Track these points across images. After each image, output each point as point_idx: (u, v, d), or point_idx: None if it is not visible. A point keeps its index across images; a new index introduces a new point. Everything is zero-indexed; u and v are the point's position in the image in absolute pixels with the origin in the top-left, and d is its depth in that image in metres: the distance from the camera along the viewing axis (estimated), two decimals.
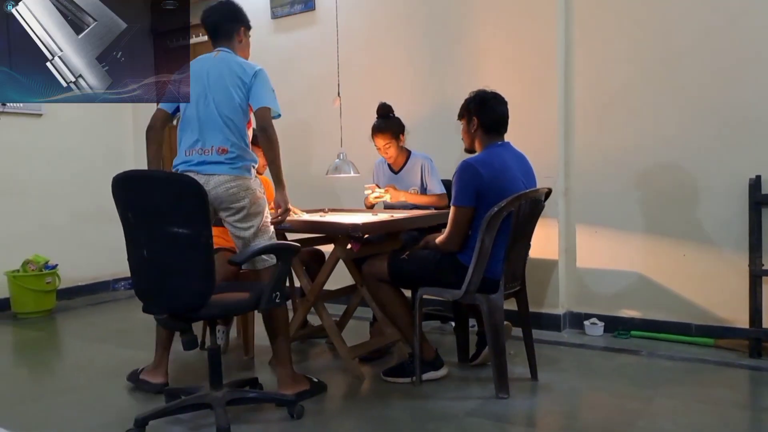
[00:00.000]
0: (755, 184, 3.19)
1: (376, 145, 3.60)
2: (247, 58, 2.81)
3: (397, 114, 3.62)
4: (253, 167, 2.73)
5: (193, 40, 5.07)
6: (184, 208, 2.24)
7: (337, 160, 3.50)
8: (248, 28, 2.86)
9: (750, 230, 3.20)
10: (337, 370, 3.21)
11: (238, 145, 2.64)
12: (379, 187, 3.62)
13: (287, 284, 2.96)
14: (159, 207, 2.27)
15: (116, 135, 5.59)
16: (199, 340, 3.22)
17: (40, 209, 5.00)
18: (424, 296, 2.83)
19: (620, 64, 3.61)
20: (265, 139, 2.60)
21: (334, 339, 3.11)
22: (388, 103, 3.62)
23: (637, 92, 3.57)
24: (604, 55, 3.66)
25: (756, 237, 3.18)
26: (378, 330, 3.42)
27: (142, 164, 2.87)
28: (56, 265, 4.71)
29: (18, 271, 4.61)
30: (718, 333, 3.38)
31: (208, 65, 2.67)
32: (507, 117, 2.82)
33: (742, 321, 3.25)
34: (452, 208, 2.73)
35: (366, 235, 2.95)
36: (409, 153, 3.66)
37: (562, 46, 3.72)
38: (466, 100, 2.84)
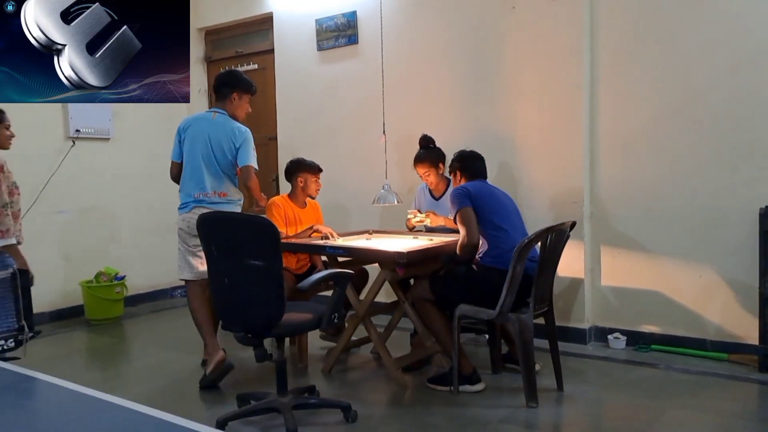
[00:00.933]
0: (765, 213, 3.46)
1: (417, 172, 3.98)
2: (242, 115, 3.61)
3: (437, 144, 3.98)
4: (241, 204, 3.68)
5: (244, 68, 5.53)
6: (259, 244, 2.66)
7: (383, 190, 3.88)
8: (244, 92, 3.60)
9: (760, 255, 3.46)
10: (382, 378, 3.61)
11: (233, 190, 3.62)
12: (421, 212, 3.93)
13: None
14: (238, 243, 2.70)
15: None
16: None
17: (108, 224, 5.49)
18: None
19: (641, 101, 3.91)
20: (246, 191, 3.61)
21: (381, 351, 3.49)
22: (428, 133, 4.00)
23: (658, 126, 3.87)
24: (626, 92, 3.96)
25: (765, 262, 3.43)
26: (419, 342, 3.79)
27: None
28: (125, 276, 5.19)
29: (91, 281, 5.09)
30: (731, 348, 3.67)
31: (208, 130, 3.49)
32: (483, 168, 3.58)
33: (753, 338, 3.53)
34: (457, 216, 3.26)
35: None
36: (449, 181, 3.99)
37: (587, 84, 4.04)
38: (452, 159, 3.63)
